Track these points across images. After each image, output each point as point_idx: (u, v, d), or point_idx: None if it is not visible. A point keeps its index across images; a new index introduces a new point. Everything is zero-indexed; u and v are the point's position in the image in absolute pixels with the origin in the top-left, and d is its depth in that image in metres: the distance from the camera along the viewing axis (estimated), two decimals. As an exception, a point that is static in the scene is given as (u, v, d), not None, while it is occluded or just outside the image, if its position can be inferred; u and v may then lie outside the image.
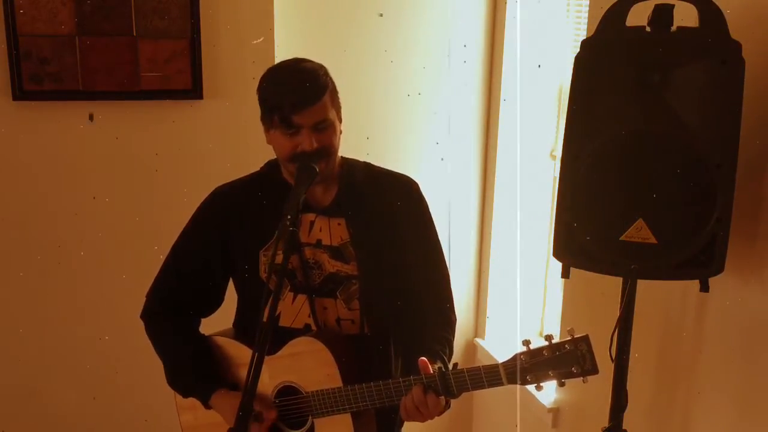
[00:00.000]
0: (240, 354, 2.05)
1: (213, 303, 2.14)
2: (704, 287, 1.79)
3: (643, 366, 2.13)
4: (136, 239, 3.00)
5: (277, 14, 2.93)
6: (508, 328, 3.38)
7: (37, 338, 3.07)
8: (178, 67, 2.90)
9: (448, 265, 2.11)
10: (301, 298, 2.01)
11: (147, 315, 2.13)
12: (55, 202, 2.98)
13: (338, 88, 1.95)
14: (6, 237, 2.99)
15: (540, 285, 3.28)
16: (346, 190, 2.01)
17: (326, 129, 1.89)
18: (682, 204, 1.73)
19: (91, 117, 2.90)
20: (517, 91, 3.19)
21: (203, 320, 2.15)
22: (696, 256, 1.75)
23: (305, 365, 1.94)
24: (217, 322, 2.17)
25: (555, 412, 2.84)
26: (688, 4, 1.69)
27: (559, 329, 2.83)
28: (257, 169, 2.10)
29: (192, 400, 2.07)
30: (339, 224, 2.00)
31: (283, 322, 2.02)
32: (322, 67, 1.93)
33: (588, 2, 2.52)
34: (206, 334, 2.13)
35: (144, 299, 2.14)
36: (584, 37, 1.83)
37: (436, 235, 2.08)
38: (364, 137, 3.03)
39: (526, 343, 1.74)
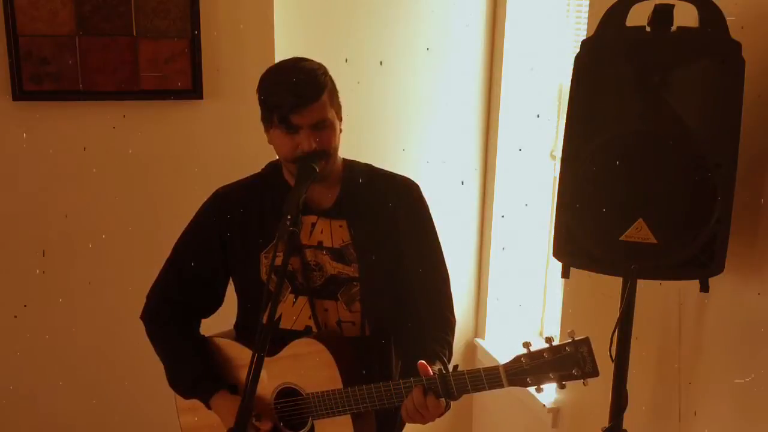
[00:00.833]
0: (240, 355, 2.04)
1: (213, 304, 2.14)
2: (704, 287, 1.79)
3: (643, 366, 2.13)
4: (136, 239, 2.99)
5: (277, 14, 2.93)
6: (508, 328, 3.38)
7: (36, 339, 3.06)
8: (178, 67, 2.89)
9: (448, 266, 2.10)
10: (302, 299, 2.01)
11: (147, 316, 2.13)
12: (55, 202, 2.98)
13: (338, 89, 1.95)
14: (5, 237, 2.99)
15: (540, 285, 3.28)
16: (347, 192, 2.01)
17: (326, 128, 1.89)
18: (682, 204, 1.73)
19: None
20: (517, 91, 3.19)
21: (204, 321, 2.15)
22: (696, 256, 1.75)
23: (305, 367, 1.94)
24: (218, 324, 2.17)
25: (555, 412, 2.84)
26: (688, 4, 1.69)
27: (559, 329, 2.83)
28: (257, 169, 2.10)
29: (192, 402, 2.07)
30: (340, 226, 2.00)
31: (284, 324, 2.02)
32: (321, 66, 1.92)
33: (588, 2, 2.52)
34: (207, 335, 2.13)
35: (144, 300, 2.14)
36: (584, 37, 1.83)
37: (437, 237, 2.07)
38: (363, 137, 3.03)
39: (527, 345, 1.73)
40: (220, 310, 2.16)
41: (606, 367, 1.81)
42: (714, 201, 1.70)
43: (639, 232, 1.74)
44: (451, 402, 1.84)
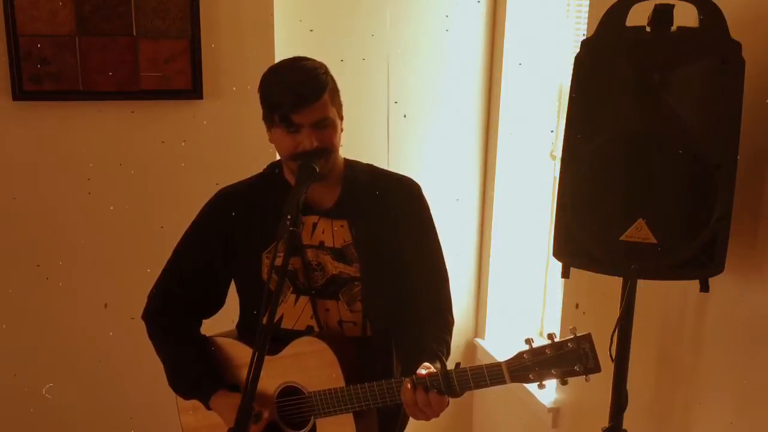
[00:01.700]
0: (241, 354, 2.05)
1: (215, 304, 2.14)
2: (704, 287, 1.79)
3: (643, 366, 2.13)
4: (136, 239, 3.00)
5: (277, 14, 2.93)
6: (508, 328, 3.38)
7: (38, 339, 3.07)
8: (178, 67, 2.89)
9: (447, 266, 2.10)
10: (304, 299, 2.01)
11: (149, 315, 2.13)
12: (55, 202, 2.98)
13: (338, 88, 1.95)
14: (5, 236, 2.99)
15: (540, 285, 3.28)
16: (348, 191, 2.01)
17: (326, 127, 1.89)
18: (682, 204, 1.73)
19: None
20: (517, 91, 3.19)
21: (206, 321, 2.16)
22: (696, 256, 1.75)
23: (307, 365, 1.94)
24: (220, 323, 2.17)
25: (555, 412, 2.84)
26: (688, 4, 1.69)
27: (559, 329, 2.83)
28: (257, 169, 2.10)
29: (193, 402, 2.07)
30: (342, 226, 2.00)
31: (286, 323, 2.02)
32: (322, 65, 1.93)
33: (588, 2, 2.52)
34: (209, 335, 2.13)
35: (145, 299, 2.14)
36: (584, 37, 1.83)
37: (437, 237, 2.08)
38: (363, 137, 3.03)
39: (529, 341, 1.74)
40: (223, 309, 2.16)
41: (606, 367, 1.81)
42: (714, 201, 1.70)
43: (639, 232, 1.74)
44: (452, 399, 1.84)
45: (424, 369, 1.80)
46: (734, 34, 1.67)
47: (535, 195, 3.23)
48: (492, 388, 1.80)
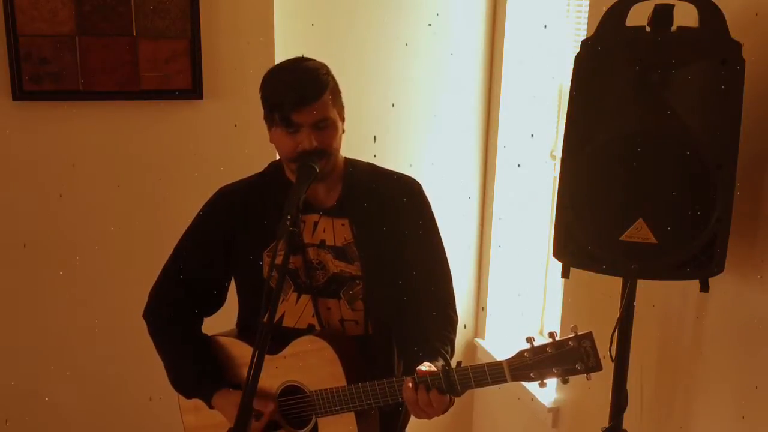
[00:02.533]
0: (243, 353, 2.05)
1: (215, 303, 2.14)
2: (704, 287, 1.79)
3: (643, 366, 2.13)
4: (136, 239, 3.00)
5: (277, 14, 2.93)
6: (508, 328, 3.38)
7: (39, 338, 3.07)
8: (178, 67, 2.89)
9: (449, 265, 2.10)
10: (305, 298, 2.02)
11: (150, 314, 2.13)
12: (55, 202, 2.98)
13: (340, 89, 1.95)
14: (5, 237, 2.99)
15: (540, 285, 3.28)
16: (349, 190, 2.01)
17: (327, 128, 1.89)
18: (682, 204, 1.73)
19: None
20: (517, 91, 3.19)
21: (207, 320, 2.16)
22: (696, 256, 1.75)
23: (309, 364, 1.95)
24: (221, 322, 2.17)
25: (555, 412, 2.84)
26: (688, 4, 1.69)
27: (559, 329, 2.82)
28: (257, 168, 2.10)
29: (195, 401, 2.07)
30: (343, 225, 2.00)
31: (287, 322, 2.02)
32: (323, 66, 1.93)
33: (588, 2, 2.52)
34: (210, 334, 2.13)
35: (146, 299, 2.14)
36: (584, 37, 1.83)
37: (439, 236, 2.08)
38: (364, 137, 3.03)
39: (530, 340, 1.74)
40: (224, 308, 2.16)
41: (606, 367, 1.81)
42: (714, 201, 1.70)
43: (639, 232, 1.74)
44: (455, 397, 1.84)
45: (425, 367, 1.80)
46: (734, 34, 1.67)
47: (535, 195, 3.23)
48: (493, 387, 1.80)
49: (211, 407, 2.04)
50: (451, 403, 1.83)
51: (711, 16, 1.68)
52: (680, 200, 1.73)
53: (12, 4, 2.76)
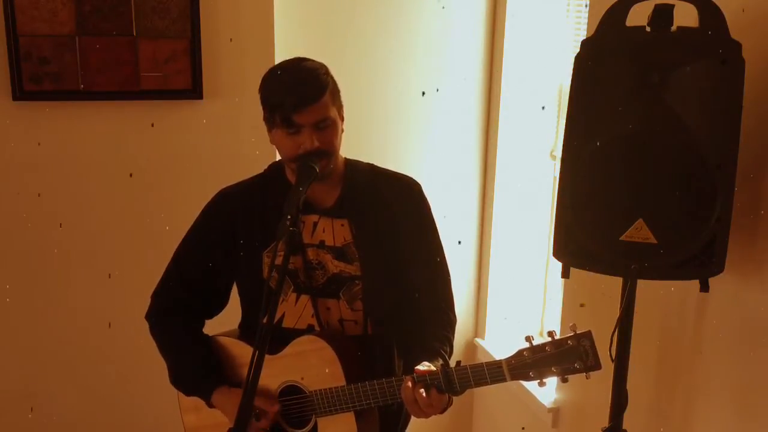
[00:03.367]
0: (243, 353, 2.05)
1: (218, 304, 2.14)
2: (704, 287, 1.79)
3: (643, 366, 2.13)
4: (136, 239, 3.00)
5: (277, 14, 2.93)
6: (508, 328, 3.38)
7: (40, 339, 3.07)
8: (178, 67, 2.90)
9: (448, 265, 2.10)
10: (305, 298, 2.02)
11: (152, 315, 2.13)
12: (55, 202, 2.98)
13: (339, 88, 1.95)
14: (5, 237, 2.99)
15: (540, 285, 3.28)
16: (349, 191, 2.01)
17: (327, 128, 1.89)
18: (682, 204, 1.73)
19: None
20: (517, 91, 3.19)
21: (210, 321, 2.16)
22: (696, 256, 1.75)
23: (308, 364, 1.95)
24: (223, 323, 2.17)
25: (555, 412, 2.84)
26: (688, 4, 1.69)
27: (559, 329, 2.82)
28: (257, 169, 2.10)
29: (195, 401, 2.07)
30: (342, 225, 2.00)
31: (287, 322, 2.02)
32: (323, 66, 1.93)
33: (588, 2, 2.52)
34: (212, 334, 2.13)
35: (149, 300, 2.14)
36: (584, 37, 1.83)
37: (438, 236, 2.08)
38: (364, 137, 3.03)
39: (529, 338, 1.74)
40: (227, 310, 2.16)
41: (606, 367, 1.81)
42: (714, 201, 1.70)
43: (639, 232, 1.74)
44: (453, 398, 1.84)
45: (424, 366, 1.80)
46: (734, 34, 1.67)
47: (535, 195, 3.23)
48: (492, 387, 1.80)
49: (210, 405, 2.04)
50: (450, 402, 1.83)
51: (711, 16, 1.68)
52: (680, 200, 1.73)
53: (12, 4, 2.76)
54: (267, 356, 1.71)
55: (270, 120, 1.92)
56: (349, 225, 1.99)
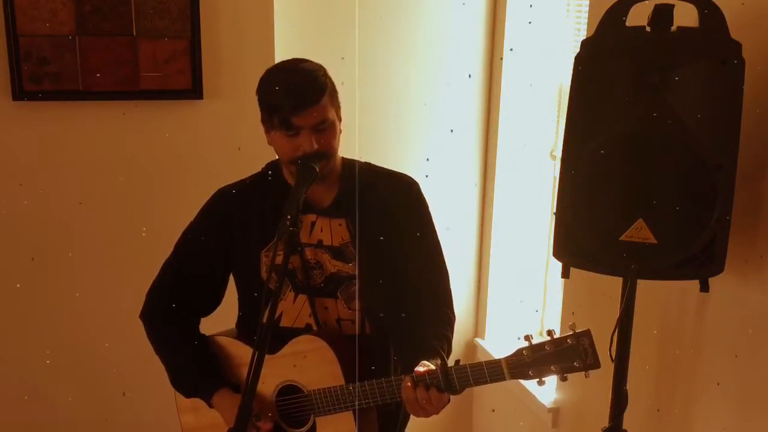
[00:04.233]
0: (241, 353, 2.05)
1: (212, 302, 2.14)
2: (704, 287, 1.79)
3: (642, 366, 2.13)
4: (135, 239, 2.99)
5: (277, 14, 2.93)
6: (508, 327, 3.38)
7: (38, 339, 3.06)
8: (178, 67, 2.89)
9: (448, 265, 2.10)
10: (302, 298, 2.02)
11: (147, 315, 2.13)
12: (55, 202, 2.98)
13: (337, 89, 1.95)
14: (5, 237, 2.99)
15: (540, 285, 3.28)
16: (346, 190, 2.01)
17: (326, 129, 1.89)
18: (682, 204, 1.73)
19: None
20: (517, 91, 3.19)
21: (206, 320, 2.16)
22: (696, 256, 1.75)
23: (307, 363, 1.95)
24: (220, 322, 2.17)
25: (555, 412, 2.84)
26: (688, 4, 1.69)
27: (559, 329, 2.82)
28: (257, 169, 2.10)
29: (193, 401, 2.07)
30: (340, 225, 2.00)
31: (285, 322, 2.02)
32: (321, 67, 1.93)
33: (588, 2, 2.52)
34: (209, 334, 2.13)
35: (143, 299, 2.14)
36: (584, 37, 1.83)
37: (436, 235, 2.08)
38: (363, 137, 3.02)
39: (528, 337, 1.74)
40: (222, 308, 2.16)
41: (606, 367, 1.81)
42: (714, 201, 1.70)
43: (639, 232, 1.74)
44: (453, 397, 1.84)
45: (423, 366, 1.80)
46: (734, 34, 1.67)
47: (535, 195, 3.22)
48: (492, 387, 1.80)
49: (211, 406, 2.04)
50: (448, 400, 1.83)
51: (711, 16, 1.68)
52: (680, 200, 1.73)
53: (12, 4, 2.76)
54: (266, 356, 1.71)
55: (268, 122, 1.92)
56: (346, 224, 2.00)
